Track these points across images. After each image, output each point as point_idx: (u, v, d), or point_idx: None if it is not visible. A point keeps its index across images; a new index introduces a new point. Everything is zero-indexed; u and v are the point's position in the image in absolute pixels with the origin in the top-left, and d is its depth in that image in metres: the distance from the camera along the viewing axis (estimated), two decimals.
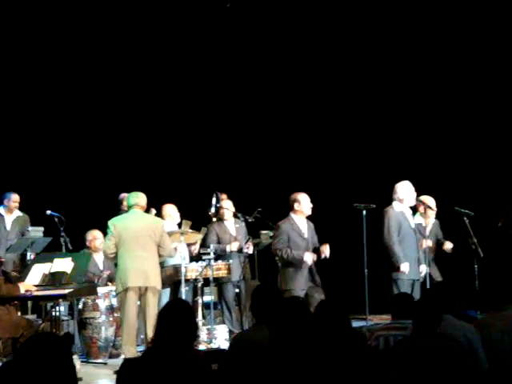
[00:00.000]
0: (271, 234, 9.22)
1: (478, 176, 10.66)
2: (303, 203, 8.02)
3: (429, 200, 8.61)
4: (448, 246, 8.72)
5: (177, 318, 3.94)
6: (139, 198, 7.53)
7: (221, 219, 8.93)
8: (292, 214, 8.04)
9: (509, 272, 8.55)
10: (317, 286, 7.91)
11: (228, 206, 8.92)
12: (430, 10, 10.92)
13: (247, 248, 8.67)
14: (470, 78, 10.83)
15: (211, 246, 8.42)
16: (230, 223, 8.95)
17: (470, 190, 9.94)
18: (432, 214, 8.67)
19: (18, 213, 9.55)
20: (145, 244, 7.36)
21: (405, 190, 8.21)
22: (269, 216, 8.91)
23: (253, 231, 9.12)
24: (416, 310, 4.52)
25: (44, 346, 2.82)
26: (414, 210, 8.51)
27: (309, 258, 7.80)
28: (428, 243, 8.40)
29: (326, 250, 7.95)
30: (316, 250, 8.04)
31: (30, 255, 8.89)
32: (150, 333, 7.04)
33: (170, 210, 8.86)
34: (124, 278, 7.28)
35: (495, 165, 10.74)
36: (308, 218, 8.11)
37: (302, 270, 7.88)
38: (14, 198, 9.45)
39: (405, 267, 7.94)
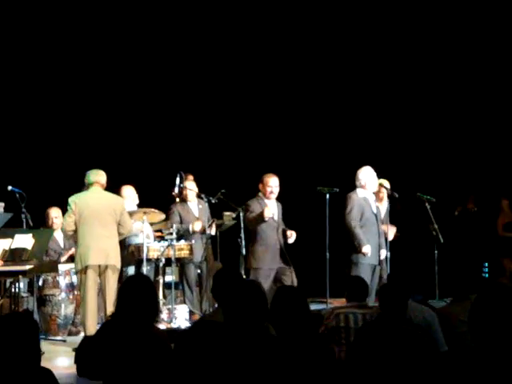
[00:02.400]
0: (234, 215, 9.24)
1: (440, 162, 10.77)
2: (266, 186, 8.12)
3: (385, 183, 8.68)
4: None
5: (138, 293, 3.94)
6: (99, 176, 7.47)
7: (184, 200, 8.91)
8: (260, 195, 8.24)
9: (471, 261, 8.69)
10: (288, 266, 8.06)
11: (191, 187, 8.91)
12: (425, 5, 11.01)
13: (210, 229, 8.68)
14: (429, 60, 10.92)
15: (174, 225, 8.40)
16: (193, 204, 8.94)
17: (431, 175, 10.04)
18: (386, 198, 8.72)
19: None
20: (105, 222, 7.32)
21: (367, 176, 8.27)
22: (232, 197, 8.91)
23: (216, 212, 9.12)
24: (383, 294, 4.54)
25: (15, 325, 2.82)
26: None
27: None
28: (383, 228, 8.48)
29: (292, 237, 8.12)
30: (284, 232, 8.14)
31: None
32: (109, 310, 7.10)
33: (129, 191, 8.79)
34: (84, 256, 7.23)
35: (457, 151, 10.87)
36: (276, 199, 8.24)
37: (271, 250, 7.99)
38: None
39: (366, 249, 8.02)
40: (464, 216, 9.80)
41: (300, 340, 3.73)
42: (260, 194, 8.27)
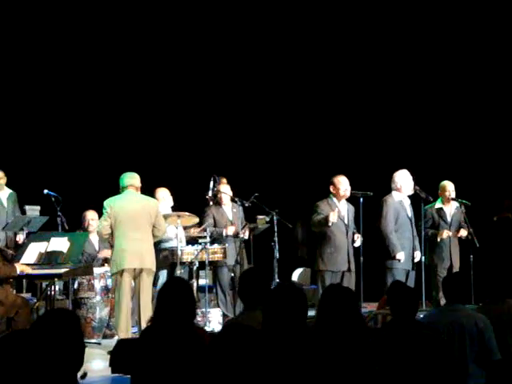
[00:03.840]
0: (267, 219, 9.23)
1: (476, 166, 10.66)
2: (338, 186, 8.06)
3: (448, 185, 8.56)
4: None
5: (176, 296, 3.95)
6: (134, 179, 7.48)
7: (218, 203, 8.93)
8: (331, 196, 8.13)
9: (506, 265, 8.58)
10: (351, 269, 8.03)
11: (226, 191, 8.91)
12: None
13: (243, 233, 8.69)
14: (466, 66, 10.82)
15: (208, 229, 8.42)
16: (228, 208, 8.95)
17: (467, 180, 9.93)
18: (446, 198, 8.55)
19: (8, 190, 9.43)
20: (140, 225, 7.34)
21: (403, 179, 8.22)
22: (266, 201, 8.91)
23: (249, 216, 9.12)
24: (392, 298, 4.51)
25: (60, 321, 2.83)
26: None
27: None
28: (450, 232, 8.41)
29: (358, 240, 8.10)
30: (353, 234, 8.15)
31: (24, 234, 8.86)
32: (144, 314, 7.13)
33: (163, 194, 8.84)
34: (119, 260, 7.27)
35: (493, 155, 10.75)
36: (348, 200, 8.18)
37: (339, 252, 7.96)
38: None
39: (400, 256, 7.97)
40: (501, 221, 9.68)
41: (348, 342, 3.71)
42: (331, 195, 8.13)
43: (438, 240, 8.42)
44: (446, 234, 8.42)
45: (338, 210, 8.04)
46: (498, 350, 4.74)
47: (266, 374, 3.04)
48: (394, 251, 7.96)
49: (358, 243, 8.14)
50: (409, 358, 4.05)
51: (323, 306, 3.82)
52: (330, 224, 7.90)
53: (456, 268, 8.45)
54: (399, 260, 7.98)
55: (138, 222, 7.33)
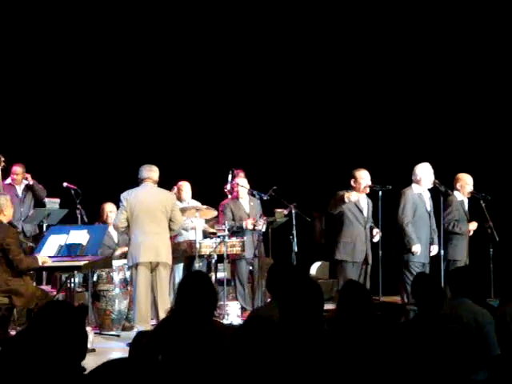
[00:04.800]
0: (286, 212, 9.22)
1: (495, 159, 10.59)
2: (360, 180, 8.03)
3: (468, 178, 8.52)
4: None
5: (197, 288, 3.96)
6: (152, 172, 7.46)
7: (236, 197, 8.93)
8: (351, 190, 8.07)
9: None
10: (367, 263, 8.03)
11: (243, 184, 8.92)
12: None
13: (258, 225, 8.66)
14: (487, 58, 10.75)
15: (226, 222, 8.44)
16: (245, 201, 8.95)
17: (487, 173, 9.87)
18: (466, 192, 8.51)
19: (24, 182, 9.48)
20: (156, 218, 7.34)
21: (423, 172, 8.17)
22: (284, 194, 8.90)
23: (268, 209, 9.12)
24: (417, 292, 4.50)
25: (58, 314, 2.84)
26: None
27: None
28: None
29: (377, 236, 8.09)
30: (371, 229, 8.12)
31: (44, 226, 8.93)
32: (162, 307, 7.15)
33: (187, 187, 8.90)
34: (135, 253, 7.29)
35: None
36: (367, 194, 8.15)
37: (357, 242, 7.97)
38: (14, 170, 9.38)
39: (416, 248, 7.94)
40: None
41: (364, 336, 3.71)
42: (350, 188, 8.05)
43: (471, 233, 8.39)
44: (474, 225, 8.41)
45: (358, 201, 8.03)
46: (497, 346, 4.72)
47: (283, 366, 3.05)
48: (410, 243, 7.94)
49: (376, 238, 8.12)
50: (434, 352, 4.03)
51: (342, 302, 3.83)
52: (346, 200, 7.86)
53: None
54: (414, 253, 7.94)
55: (154, 215, 7.33)
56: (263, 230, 8.82)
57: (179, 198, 8.73)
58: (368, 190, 8.11)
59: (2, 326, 6.99)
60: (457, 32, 10.92)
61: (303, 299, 3.61)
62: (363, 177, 8.06)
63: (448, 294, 5.27)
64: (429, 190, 8.28)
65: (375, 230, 8.11)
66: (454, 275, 5.13)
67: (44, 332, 2.80)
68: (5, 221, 6.89)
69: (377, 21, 11.27)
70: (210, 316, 4.02)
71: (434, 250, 8.21)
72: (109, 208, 8.71)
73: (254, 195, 8.90)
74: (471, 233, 8.48)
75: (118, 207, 7.82)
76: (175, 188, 8.92)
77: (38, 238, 8.61)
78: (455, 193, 8.46)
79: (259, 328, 2.99)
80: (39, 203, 9.56)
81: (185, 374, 3.82)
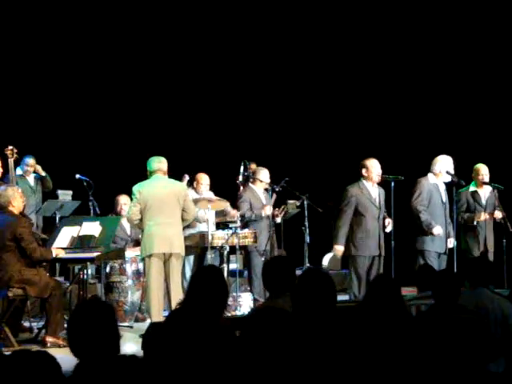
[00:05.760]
0: (298, 203, 9.22)
1: (508, 149, 10.54)
2: (371, 169, 7.98)
3: (482, 168, 8.46)
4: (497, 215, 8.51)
5: (209, 284, 3.94)
6: (161, 163, 7.45)
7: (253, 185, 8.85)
8: (362, 180, 8.04)
9: None
10: (380, 254, 7.98)
11: (264, 177, 8.81)
12: None
13: (277, 216, 8.64)
14: (498, 49, 10.69)
15: (246, 214, 8.43)
16: (260, 190, 8.88)
17: (499, 163, 9.82)
18: (479, 182, 8.43)
19: (33, 174, 9.51)
20: (169, 210, 7.33)
21: (444, 166, 8.13)
22: (296, 186, 8.89)
23: (280, 201, 9.11)
24: (436, 282, 4.49)
25: (95, 312, 2.87)
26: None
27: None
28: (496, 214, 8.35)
29: (389, 226, 8.03)
30: (384, 219, 8.09)
31: (57, 218, 8.96)
32: (174, 298, 7.16)
33: (205, 179, 8.90)
34: (149, 245, 7.29)
35: None
36: (379, 184, 8.10)
37: (371, 237, 7.91)
38: (26, 162, 9.40)
39: (437, 230, 7.89)
40: None
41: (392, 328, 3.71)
42: (361, 179, 8.02)
43: (475, 223, 8.33)
44: (483, 216, 8.33)
45: (369, 194, 7.99)
46: None
47: (295, 357, 3.04)
48: (430, 227, 7.88)
49: (389, 228, 8.09)
50: (451, 342, 4.03)
51: (369, 295, 3.83)
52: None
53: (491, 252, 8.37)
54: (436, 235, 7.88)
55: (166, 206, 7.33)
56: (278, 221, 8.78)
57: (196, 189, 8.74)
58: (379, 179, 8.06)
59: (16, 318, 7.04)
60: (471, 19, 10.85)
61: (315, 291, 3.60)
62: (374, 165, 8.02)
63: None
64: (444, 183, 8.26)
65: (387, 220, 8.06)
66: (471, 265, 5.12)
67: (82, 330, 2.83)
68: (15, 211, 6.93)
69: (384, 10, 11.21)
70: (220, 312, 4.01)
71: (451, 243, 8.17)
72: (123, 200, 8.70)
73: (267, 190, 8.84)
74: (497, 219, 8.35)
75: (131, 199, 7.83)
76: (185, 178, 8.90)
77: (48, 230, 8.64)
78: (471, 184, 8.43)
79: (271, 318, 2.99)
80: (50, 195, 9.58)
81: (192, 369, 3.82)
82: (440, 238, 8.04)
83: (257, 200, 8.77)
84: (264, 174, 8.84)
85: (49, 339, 6.71)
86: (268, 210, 8.61)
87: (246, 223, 8.58)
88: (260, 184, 8.82)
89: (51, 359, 2.54)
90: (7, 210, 6.88)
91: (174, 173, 7.78)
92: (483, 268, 4.97)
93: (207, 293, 3.92)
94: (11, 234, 6.75)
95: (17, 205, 6.97)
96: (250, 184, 8.87)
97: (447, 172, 8.22)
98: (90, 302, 3.52)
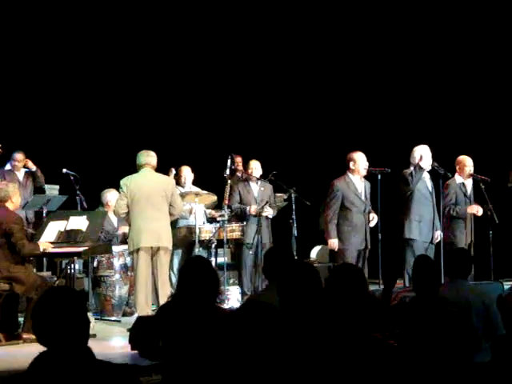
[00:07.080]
0: (285, 196, 9.20)
1: (495, 143, 10.58)
2: (358, 162, 7.98)
3: (467, 160, 8.48)
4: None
5: (198, 273, 3.96)
6: (150, 157, 7.47)
7: (246, 180, 8.80)
8: (348, 173, 8.02)
9: None
10: (366, 248, 7.99)
11: (256, 167, 8.74)
12: None
13: (265, 212, 8.59)
14: (481, 41, 10.73)
15: (232, 206, 8.42)
16: (255, 185, 8.84)
17: (487, 155, 9.86)
18: (466, 174, 8.46)
19: (23, 169, 9.49)
20: (157, 204, 7.35)
21: (421, 154, 8.13)
22: (284, 179, 8.89)
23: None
24: (415, 275, 4.49)
25: (60, 299, 2.85)
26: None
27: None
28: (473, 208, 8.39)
29: (373, 220, 8.04)
30: (368, 213, 8.08)
31: (44, 212, 8.93)
32: (162, 292, 7.18)
33: (187, 171, 8.89)
34: (136, 238, 7.30)
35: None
36: (365, 177, 8.09)
37: (357, 231, 7.91)
38: (15, 157, 9.39)
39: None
40: None
41: (355, 321, 3.71)
42: (348, 172, 8.01)
43: (463, 216, 8.37)
44: (475, 208, 8.38)
45: (355, 188, 7.99)
46: (502, 325, 4.74)
47: (282, 350, 3.05)
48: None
49: (373, 223, 8.08)
50: (433, 334, 4.04)
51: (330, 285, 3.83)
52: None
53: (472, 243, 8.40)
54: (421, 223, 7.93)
55: (154, 200, 7.34)
56: (271, 216, 8.73)
57: (178, 183, 8.68)
58: (366, 172, 8.06)
59: (9, 313, 6.96)
60: (453, 16, 10.88)
61: (301, 284, 3.61)
62: (361, 159, 8.02)
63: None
64: (428, 172, 8.27)
65: (371, 215, 8.08)
66: (451, 257, 5.15)
67: (46, 318, 2.81)
68: (11, 208, 6.93)
69: (372, 8, 11.23)
70: (212, 301, 4.02)
71: (438, 236, 8.18)
72: (110, 194, 8.68)
73: (257, 180, 8.77)
74: (480, 213, 8.42)
75: (119, 193, 7.81)
76: (172, 172, 8.88)
77: (38, 225, 8.63)
78: (456, 175, 8.43)
79: (257, 312, 2.99)
80: (39, 189, 9.57)
81: (186, 360, 3.83)
82: (426, 228, 8.05)
83: (248, 194, 8.67)
84: (255, 163, 8.78)
85: (24, 335, 6.62)
86: (253, 209, 8.58)
87: (236, 216, 8.55)
88: (256, 175, 8.74)
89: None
90: (3, 205, 6.88)
91: (161, 167, 7.76)
92: (462, 260, 4.99)
93: (197, 282, 3.93)
94: (2, 230, 6.74)
95: (15, 201, 7.01)
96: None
97: (434, 166, 8.22)
98: (57, 288, 3.51)
